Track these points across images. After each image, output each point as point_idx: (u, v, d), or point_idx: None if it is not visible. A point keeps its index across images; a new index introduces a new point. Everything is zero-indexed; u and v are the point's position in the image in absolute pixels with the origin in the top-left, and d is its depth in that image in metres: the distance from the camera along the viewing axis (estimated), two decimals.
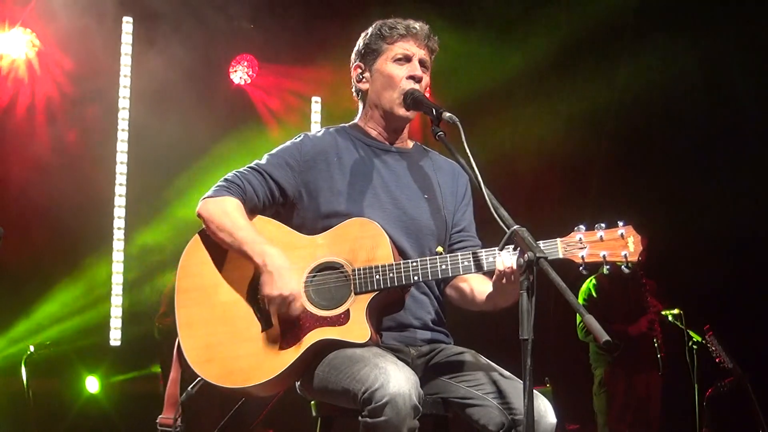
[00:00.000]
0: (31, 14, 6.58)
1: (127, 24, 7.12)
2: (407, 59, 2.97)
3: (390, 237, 2.83)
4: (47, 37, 6.69)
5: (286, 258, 2.78)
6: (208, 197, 2.91)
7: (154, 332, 6.32)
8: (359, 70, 3.04)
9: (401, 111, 2.96)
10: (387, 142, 3.06)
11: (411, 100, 2.93)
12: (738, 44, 7.21)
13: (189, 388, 3.07)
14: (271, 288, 2.73)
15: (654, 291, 6.66)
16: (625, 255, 2.65)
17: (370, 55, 3.01)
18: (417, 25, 3.00)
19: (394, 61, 2.97)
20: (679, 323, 6.51)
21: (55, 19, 6.60)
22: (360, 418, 2.54)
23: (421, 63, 2.98)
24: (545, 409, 2.68)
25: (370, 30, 3.04)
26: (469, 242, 3.05)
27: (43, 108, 6.66)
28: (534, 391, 2.40)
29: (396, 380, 2.50)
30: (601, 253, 2.65)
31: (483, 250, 2.75)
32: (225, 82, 7.53)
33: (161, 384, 6.09)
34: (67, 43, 6.68)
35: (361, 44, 3.04)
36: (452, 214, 3.06)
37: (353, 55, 3.08)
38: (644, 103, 7.62)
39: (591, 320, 2.26)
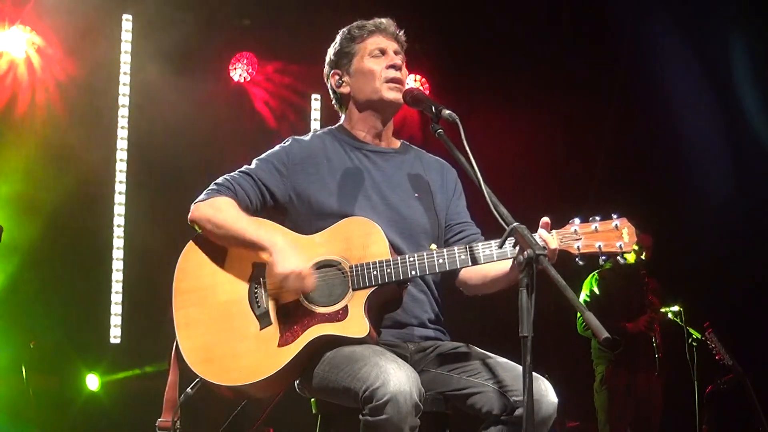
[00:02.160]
0: (30, 12, 6.58)
1: (127, 22, 7.11)
2: (383, 52, 3.00)
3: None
4: (47, 35, 6.68)
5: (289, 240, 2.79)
6: (199, 201, 2.92)
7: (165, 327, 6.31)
8: (337, 77, 3.08)
9: (391, 96, 2.97)
10: (374, 142, 3.07)
11: (410, 98, 2.94)
12: (739, 43, 7.22)
13: (188, 389, 3.07)
14: (281, 268, 2.73)
15: (657, 290, 6.66)
16: (620, 246, 2.68)
17: (344, 59, 3.05)
18: (384, 20, 3.04)
19: (371, 56, 3.00)
20: (678, 320, 6.52)
21: (54, 17, 6.59)
22: (361, 416, 2.55)
23: (396, 54, 3.01)
24: (546, 389, 2.69)
25: (338, 38, 3.09)
26: (468, 231, 3.06)
27: (43, 106, 6.65)
28: (534, 372, 2.39)
29: (397, 378, 2.50)
30: (597, 244, 2.68)
31: (480, 243, 2.76)
32: (224, 80, 7.52)
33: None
34: (66, 41, 6.67)
35: (332, 53, 3.09)
36: (444, 210, 3.07)
37: (326, 67, 3.13)
38: (645, 101, 7.63)
39: (591, 317, 2.26)
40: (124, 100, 7.10)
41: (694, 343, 6.42)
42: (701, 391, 6.31)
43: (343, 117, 3.14)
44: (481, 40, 7.58)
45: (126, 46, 7.10)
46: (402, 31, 3.07)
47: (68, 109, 6.69)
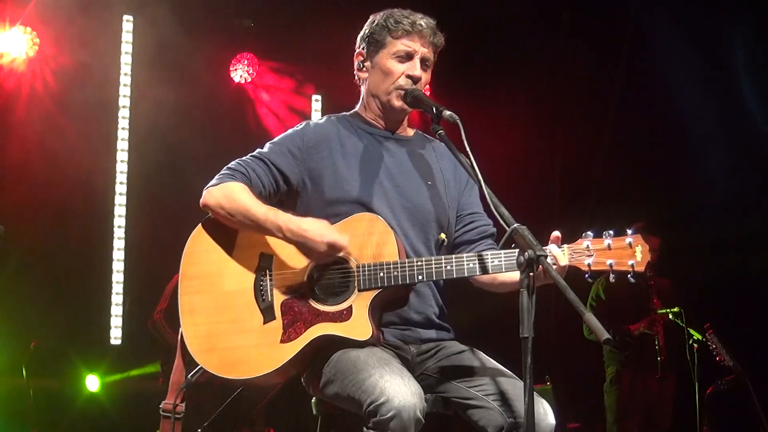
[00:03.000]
0: (31, 13, 6.59)
1: (128, 22, 7.12)
2: (409, 57, 2.95)
3: (393, 224, 2.83)
4: (47, 36, 6.69)
5: (302, 221, 2.76)
6: (212, 186, 2.89)
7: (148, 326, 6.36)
8: (361, 58, 3.03)
9: (398, 104, 2.96)
10: (388, 130, 3.05)
11: (411, 98, 2.92)
12: (741, 38, 7.22)
13: (189, 376, 3.09)
14: (312, 247, 2.71)
15: (666, 290, 6.65)
16: (632, 264, 2.62)
17: (373, 45, 2.99)
18: (423, 21, 2.97)
19: (395, 57, 2.95)
20: (679, 321, 6.51)
21: (55, 18, 6.60)
22: (365, 429, 2.56)
23: (423, 60, 2.97)
24: (545, 411, 2.68)
25: (377, 18, 3.01)
26: (480, 222, 3.04)
27: (44, 107, 6.66)
28: (534, 393, 2.39)
29: (401, 395, 2.51)
30: (608, 262, 2.63)
31: (489, 252, 2.74)
32: (225, 81, 7.53)
33: (160, 382, 6.16)
34: (67, 41, 6.68)
35: (367, 31, 3.02)
36: (455, 200, 3.04)
37: (358, 39, 3.06)
38: (645, 100, 7.63)
39: (591, 318, 2.26)
40: (124, 101, 7.11)
41: (695, 344, 6.41)
42: (702, 392, 6.30)
43: (360, 99, 3.10)
44: (481, 40, 7.57)
45: (126, 47, 7.11)
46: (441, 34, 3.00)
47: (68, 109, 6.69)
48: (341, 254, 2.76)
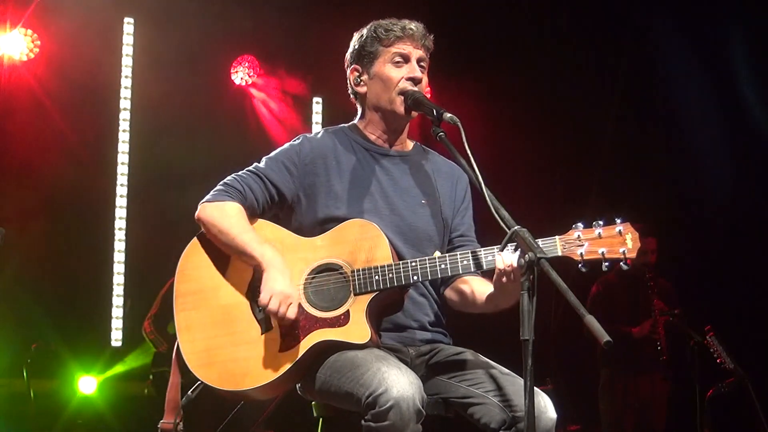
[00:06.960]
0: (32, 15, 6.59)
1: (128, 25, 7.13)
2: (405, 60, 2.95)
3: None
4: (48, 39, 6.70)
5: (285, 262, 2.78)
6: (207, 201, 2.89)
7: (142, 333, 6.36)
8: (356, 74, 3.02)
9: (402, 111, 2.95)
10: (386, 145, 3.04)
11: (411, 100, 2.91)
12: (741, 40, 7.23)
13: (189, 392, 3.07)
14: (269, 290, 2.72)
15: (666, 292, 6.65)
16: (624, 252, 2.66)
17: (366, 57, 2.98)
18: (413, 25, 2.98)
19: (392, 63, 2.95)
20: (673, 320, 6.51)
21: (56, 20, 6.61)
22: (363, 422, 2.55)
23: (419, 61, 2.97)
24: (545, 405, 2.69)
25: (364, 32, 3.01)
26: (469, 246, 3.02)
27: (44, 109, 6.66)
28: (534, 387, 2.39)
29: (400, 384, 2.50)
30: (600, 250, 2.66)
31: (482, 249, 2.75)
32: (226, 83, 7.53)
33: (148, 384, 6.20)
34: (68, 44, 6.68)
35: (357, 46, 3.01)
36: (450, 219, 3.04)
37: (348, 57, 3.05)
38: (646, 101, 7.63)
39: (592, 321, 2.25)
40: (125, 103, 7.11)
41: (696, 346, 6.40)
42: (702, 394, 6.29)
43: (358, 113, 3.09)
44: (482, 39, 7.58)
45: (127, 49, 7.12)
46: (431, 37, 3.01)
47: (69, 111, 6.69)
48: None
